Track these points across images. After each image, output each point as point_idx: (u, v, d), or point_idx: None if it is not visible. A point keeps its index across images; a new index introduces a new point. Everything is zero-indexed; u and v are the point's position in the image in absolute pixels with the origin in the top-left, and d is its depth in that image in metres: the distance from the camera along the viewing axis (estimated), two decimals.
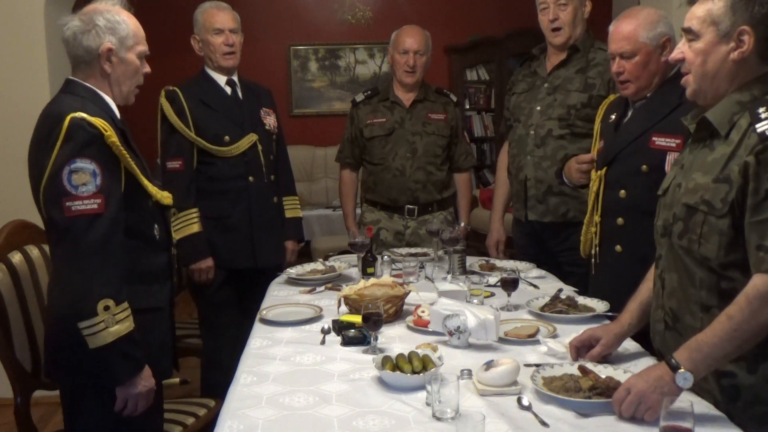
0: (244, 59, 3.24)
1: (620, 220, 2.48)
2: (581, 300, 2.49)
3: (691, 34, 1.77)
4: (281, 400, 1.79)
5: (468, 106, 7.44)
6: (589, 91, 3.03)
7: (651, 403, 1.59)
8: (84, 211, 1.91)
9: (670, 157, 2.32)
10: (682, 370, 1.59)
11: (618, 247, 2.50)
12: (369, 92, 3.63)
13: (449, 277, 2.88)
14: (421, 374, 1.82)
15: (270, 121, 3.32)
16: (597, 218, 2.56)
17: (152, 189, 2.14)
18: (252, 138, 3.19)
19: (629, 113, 2.56)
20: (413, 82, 3.50)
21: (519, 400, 1.73)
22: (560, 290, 2.60)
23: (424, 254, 3.28)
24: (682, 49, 1.81)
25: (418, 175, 3.48)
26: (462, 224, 3.31)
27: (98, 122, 1.96)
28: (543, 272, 3.01)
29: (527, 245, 3.27)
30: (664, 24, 2.43)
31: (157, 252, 2.18)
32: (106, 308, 1.92)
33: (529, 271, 3.00)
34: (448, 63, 7.37)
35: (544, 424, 1.62)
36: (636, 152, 2.43)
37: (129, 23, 2.11)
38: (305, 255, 5.74)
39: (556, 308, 2.40)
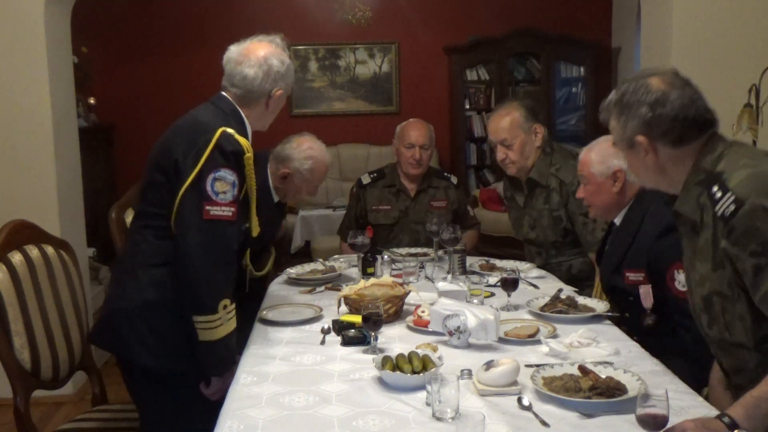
0: None
1: None
2: (581, 300, 2.49)
3: (624, 153, 1.80)
4: (281, 400, 1.79)
5: (468, 106, 7.42)
6: (559, 225, 3.09)
7: None
8: (220, 216, 2.06)
9: (642, 290, 2.30)
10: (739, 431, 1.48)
11: None
12: (375, 174, 3.65)
13: (449, 277, 2.88)
14: (421, 374, 1.82)
15: None
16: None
17: (254, 215, 2.27)
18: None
19: (610, 237, 2.58)
20: (418, 174, 3.52)
21: (519, 400, 1.73)
22: (560, 290, 2.60)
23: (424, 254, 3.28)
24: (630, 171, 1.86)
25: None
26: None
27: (243, 141, 2.16)
28: (543, 272, 3.02)
29: None
30: (617, 157, 2.37)
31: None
32: (224, 307, 2.06)
33: (529, 271, 3.00)
34: (448, 63, 7.36)
35: (544, 424, 1.62)
36: (617, 287, 2.43)
37: (293, 69, 2.34)
38: (305, 255, 5.73)
39: (556, 308, 2.40)
